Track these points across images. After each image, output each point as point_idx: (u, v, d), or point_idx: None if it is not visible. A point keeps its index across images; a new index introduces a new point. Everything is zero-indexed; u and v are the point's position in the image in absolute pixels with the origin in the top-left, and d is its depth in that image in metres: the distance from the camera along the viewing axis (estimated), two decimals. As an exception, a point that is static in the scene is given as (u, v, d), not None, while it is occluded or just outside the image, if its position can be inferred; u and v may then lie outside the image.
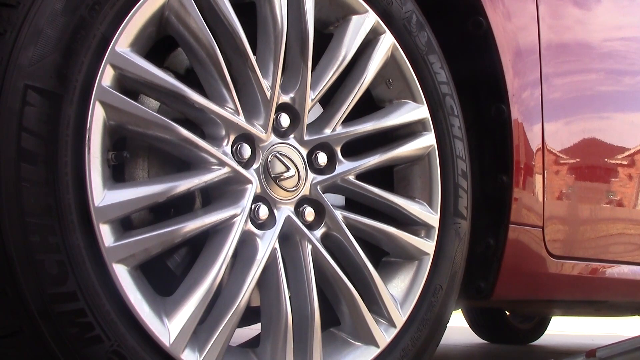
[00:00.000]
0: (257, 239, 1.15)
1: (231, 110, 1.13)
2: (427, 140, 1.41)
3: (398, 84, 1.40)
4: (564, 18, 1.81)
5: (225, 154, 1.12)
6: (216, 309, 1.09)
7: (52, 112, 0.92)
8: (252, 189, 1.15)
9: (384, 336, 1.29)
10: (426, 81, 1.41)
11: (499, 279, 1.57)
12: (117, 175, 1.11)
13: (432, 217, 1.39)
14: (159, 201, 1.03)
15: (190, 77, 1.20)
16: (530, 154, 1.61)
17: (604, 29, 1.98)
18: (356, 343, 1.28)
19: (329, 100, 1.32)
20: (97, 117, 0.97)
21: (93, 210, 0.95)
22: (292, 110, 1.23)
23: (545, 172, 1.66)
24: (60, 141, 0.93)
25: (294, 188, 1.22)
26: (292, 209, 1.21)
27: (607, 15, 2.01)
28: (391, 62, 1.38)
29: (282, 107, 1.22)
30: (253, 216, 1.16)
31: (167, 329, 1.01)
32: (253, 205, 1.16)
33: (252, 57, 1.14)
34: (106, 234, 0.96)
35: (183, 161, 1.12)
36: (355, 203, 1.37)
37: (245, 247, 1.14)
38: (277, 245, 1.16)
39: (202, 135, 1.11)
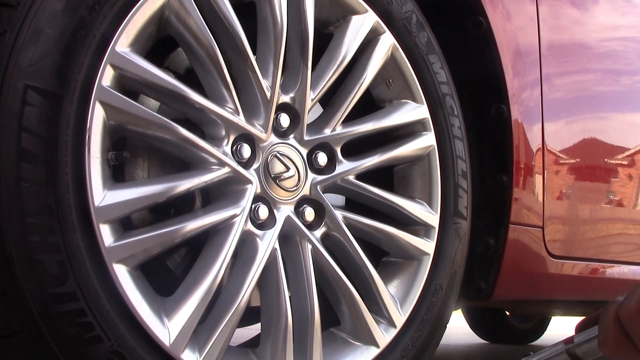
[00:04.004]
0: (257, 239, 1.15)
1: (231, 110, 1.13)
2: (427, 140, 1.41)
3: (398, 84, 1.40)
4: (564, 18, 1.81)
5: (225, 154, 1.12)
6: (216, 309, 1.09)
7: (52, 112, 0.92)
8: (252, 189, 1.15)
9: (384, 336, 1.29)
10: (426, 81, 1.41)
11: (499, 279, 1.57)
12: (117, 175, 1.11)
13: (432, 217, 1.39)
14: (159, 201, 1.03)
15: (190, 77, 1.20)
16: (530, 154, 1.61)
17: (604, 29, 1.98)
18: (356, 343, 1.28)
19: (329, 100, 1.32)
20: (97, 117, 0.97)
21: (93, 210, 0.95)
22: (292, 110, 1.23)
23: (545, 172, 1.66)
24: (60, 141, 0.93)
25: (294, 188, 1.22)
26: (292, 209, 1.21)
27: (606, 16, 2.01)
28: (391, 62, 1.38)
29: (282, 107, 1.22)
30: (253, 216, 1.16)
31: (167, 329, 1.01)
32: (253, 205, 1.16)
33: (252, 57, 1.14)
34: (106, 234, 0.96)
35: (183, 161, 1.12)
36: (355, 203, 1.37)
37: (245, 247, 1.14)
38: (277, 245, 1.16)
39: (202, 135, 1.11)
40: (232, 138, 1.14)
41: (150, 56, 1.07)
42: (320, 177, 1.26)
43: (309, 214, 1.24)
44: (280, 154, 1.20)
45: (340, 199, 1.47)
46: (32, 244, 0.90)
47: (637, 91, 2.05)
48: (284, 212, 1.20)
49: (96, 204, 0.95)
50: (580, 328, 0.97)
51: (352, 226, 1.29)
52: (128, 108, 1.00)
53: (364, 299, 1.27)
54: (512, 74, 1.56)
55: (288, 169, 1.21)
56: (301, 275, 1.19)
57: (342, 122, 1.30)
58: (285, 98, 1.21)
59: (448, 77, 1.45)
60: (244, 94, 1.16)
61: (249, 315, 1.26)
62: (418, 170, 1.42)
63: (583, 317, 0.99)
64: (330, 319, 1.29)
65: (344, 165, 1.29)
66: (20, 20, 0.91)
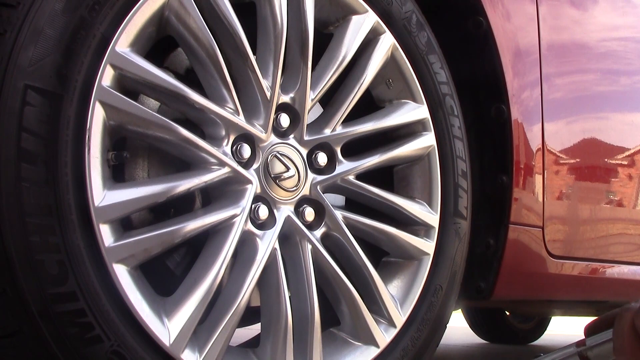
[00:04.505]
0: (257, 239, 1.15)
1: (231, 110, 1.13)
2: (427, 140, 1.41)
3: (398, 84, 1.40)
4: (564, 18, 1.81)
5: (225, 154, 1.12)
6: (216, 309, 1.09)
7: (52, 112, 0.92)
8: (252, 189, 1.15)
9: (384, 336, 1.29)
10: (426, 81, 1.42)
11: (499, 279, 1.57)
12: (117, 175, 1.11)
13: (432, 217, 1.39)
14: (159, 201, 1.03)
15: (190, 77, 1.20)
16: (530, 154, 1.61)
17: (603, 29, 1.98)
18: (356, 343, 1.28)
19: (329, 100, 1.32)
20: (97, 117, 0.97)
21: (93, 210, 0.95)
22: (292, 110, 1.23)
23: (545, 172, 1.66)
24: (60, 141, 0.93)
25: (294, 188, 1.22)
26: (292, 209, 1.21)
27: (605, 16, 2.01)
28: (391, 62, 1.38)
29: (282, 107, 1.22)
30: (253, 216, 1.16)
31: (167, 329, 1.01)
32: (253, 205, 1.16)
33: (252, 57, 1.14)
34: (106, 234, 0.96)
35: (183, 161, 1.12)
36: (355, 203, 1.37)
37: (245, 247, 1.14)
38: (277, 245, 1.16)
39: (202, 135, 1.11)
40: (232, 138, 1.14)
41: (150, 56, 1.07)
42: (320, 177, 1.26)
43: (309, 214, 1.24)
44: (280, 154, 1.20)
45: (340, 199, 1.47)
46: (32, 244, 0.90)
47: (637, 91, 2.05)
48: (284, 212, 1.20)
49: (96, 204, 0.95)
50: (590, 330, 0.97)
51: (352, 226, 1.29)
52: (128, 108, 1.00)
53: (364, 299, 1.27)
54: (512, 74, 1.56)
55: (288, 169, 1.21)
56: (301, 275, 1.20)
57: (342, 122, 1.30)
58: (285, 98, 1.21)
59: (448, 77, 1.45)
60: (244, 94, 1.16)
61: (249, 315, 1.26)
62: (418, 170, 1.42)
63: (594, 318, 0.98)
64: (330, 319, 1.29)
65: (344, 166, 1.29)
66: (20, 20, 0.91)
